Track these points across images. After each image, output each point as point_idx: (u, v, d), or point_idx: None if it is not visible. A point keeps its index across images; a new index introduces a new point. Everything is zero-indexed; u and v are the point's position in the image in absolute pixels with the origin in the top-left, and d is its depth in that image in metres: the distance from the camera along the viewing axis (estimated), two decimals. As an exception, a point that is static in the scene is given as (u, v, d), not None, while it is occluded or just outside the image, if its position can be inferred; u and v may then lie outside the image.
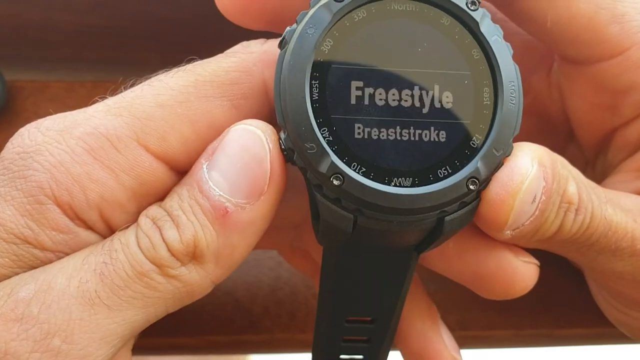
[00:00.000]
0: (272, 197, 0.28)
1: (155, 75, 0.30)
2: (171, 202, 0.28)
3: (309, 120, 0.26)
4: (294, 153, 0.27)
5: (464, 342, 0.45)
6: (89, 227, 0.28)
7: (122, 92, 0.29)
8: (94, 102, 0.29)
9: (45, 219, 0.27)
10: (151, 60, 0.46)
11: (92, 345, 0.26)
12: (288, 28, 0.28)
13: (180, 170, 0.30)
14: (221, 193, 0.27)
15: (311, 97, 0.27)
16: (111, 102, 0.29)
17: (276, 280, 0.45)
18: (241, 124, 0.28)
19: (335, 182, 0.26)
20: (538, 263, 0.33)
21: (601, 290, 0.38)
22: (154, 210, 0.28)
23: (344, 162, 0.27)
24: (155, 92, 0.29)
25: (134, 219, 0.29)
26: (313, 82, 0.27)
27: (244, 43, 0.30)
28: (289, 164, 0.28)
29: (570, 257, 0.34)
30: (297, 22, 0.28)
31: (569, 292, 0.43)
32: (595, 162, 0.38)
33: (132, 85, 0.30)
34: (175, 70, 0.29)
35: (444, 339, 0.36)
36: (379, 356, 0.36)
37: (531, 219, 0.29)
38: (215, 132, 0.29)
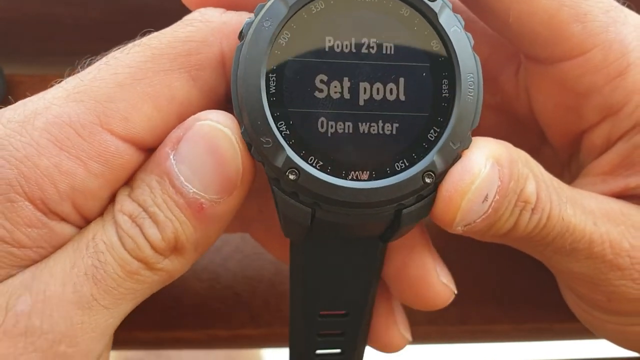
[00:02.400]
0: (245, 189, 0.28)
1: (112, 53, 0.29)
2: (143, 195, 0.28)
3: (264, 114, 0.26)
4: (251, 147, 0.27)
5: (464, 336, 0.45)
6: (63, 219, 0.28)
7: (79, 72, 0.29)
8: (51, 86, 0.29)
9: (19, 217, 0.27)
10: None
11: (93, 342, 0.28)
12: (246, 20, 0.28)
13: (148, 148, 0.29)
14: (195, 190, 0.27)
15: (268, 90, 0.27)
16: (70, 86, 0.28)
17: (276, 274, 0.45)
18: (207, 119, 0.27)
19: (291, 177, 0.27)
20: (455, 291, 0.34)
21: (565, 288, 0.38)
22: (127, 204, 0.28)
23: (300, 157, 0.27)
24: (113, 72, 0.28)
25: (105, 204, 0.29)
26: (270, 75, 0.27)
27: (202, 10, 0.30)
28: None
29: (529, 253, 0.34)
30: (254, 15, 0.27)
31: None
32: (570, 165, 0.38)
33: (89, 64, 0.29)
34: (130, 45, 0.29)
35: (396, 315, 0.37)
36: (355, 349, 0.36)
37: (483, 216, 0.29)
38: (177, 106, 0.29)
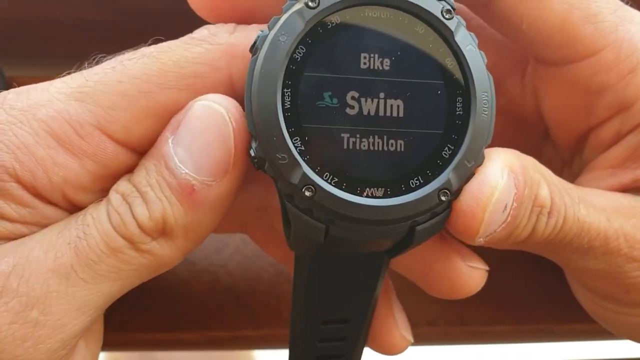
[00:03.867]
0: (237, 174, 0.28)
1: (119, 56, 0.29)
2: (139, 177, 0.28)
3: (280, 129, 0.26)
4: (265, 162, 0.27)
5: (465, 337, 0.45)
6: (53, 204, 0.29)
7: (86, 69, 0.29)
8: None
9: (9, 194, 0.27)
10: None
11: (68, 315, 0.27)
12: (260, 33, 0.27)
13: (142, 153, 0.30)
14: (187, 171, 0.27)
15: (283, 106, 0.26)
16: (75, 83, 0.28)
17: (276, 276, 0.45)
18: (203, 99, 0.28)
19: (307, 194, 0.26)
20: (487, 268, 0.34)
21: (577, 285, 0.38)
22: (123, 185, 0.28)
23: (315, 173, 0.26)
24: (118, 79, 0.28)
25: (98, 197, 0.29)
26: (285, 90, 0.26)
27: (211, 28, 0.29)
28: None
29: (546, 256, 0.35)
30: (269, 28, 0.27)
31: (569, 287, 0.43)
32: (572, 162, 0.38)
33: (96, 63, 0.29)
34: (139, 54, 0.29)
35: (396, 317, 0.37)
36: (354, 354, 0.36)
37: (503, 225, 0.29)
38: None
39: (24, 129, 0.28)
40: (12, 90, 0.29)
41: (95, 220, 0.27)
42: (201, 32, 0.29)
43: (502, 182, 0.28)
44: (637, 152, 0.34)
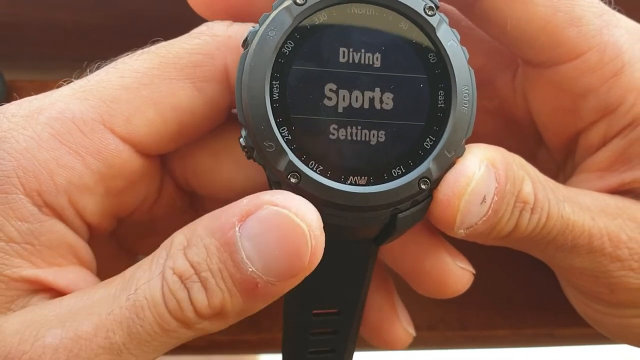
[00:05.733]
0: (304, 276, 0.27)
1: (120, 58, 0.30)
2: (198, 256, 0.26)
3: (268, 119, 0.27)
4: (254, 151, 0.28)
5: (464, 341, 0.45)
6: (58, 214, 0.29)
7: (88, 75, 0.30)
8: (59, 86, 0.30)
9: (11, 209, 0.27)
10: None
11: None
12: (251, 28, 0.29)
13: (146, 153, 0.30)
14: (254, 269, 0.26)
15: (271, 97, 0.28)
16: (77, 85, 0.29)
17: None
18: (283, 207, 0.26)
19: (293, 180, 0.27)
20: (474, 271, 0.34)
21: (567, 284, 0.38)
22: (180, 264, 0.27)
23: (301, 161, 0.28)
24: (120, 75, 0.29)
25: (101, 201, 0.30)
26: (274, 82, 0.28)
27: (209, 24, 0.31)
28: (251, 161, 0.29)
29: (531, 254, 0.35)
30: (259, 24, 0.28)
31: (569, 291, 0.43)
32: (565, 165, 0.38)
33: (97, 69, 0.30)
34: (139, 52, 0.30)
35: (399, 312, 0.37)
36: (346, 346, 0.36)
37: (484, 218, 0.29)
38: (179, 114, 0.30)
39: (27, 134, 0.28)
40: (13, 102, 0.29)
41: (150, 304, 0.26)
42: (199, 28, 0.30)
43: (478, 174, 0.29)
44: (623, 155, 0.34)
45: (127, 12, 0.46)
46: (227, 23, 0.31)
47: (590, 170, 0.35)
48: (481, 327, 0.45)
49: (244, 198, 0.27)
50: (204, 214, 0.28)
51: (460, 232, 0.30)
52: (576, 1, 0.32)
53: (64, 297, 0.28)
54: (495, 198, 0.29)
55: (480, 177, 0.29)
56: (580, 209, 0.32)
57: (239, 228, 0.26)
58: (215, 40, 0.30)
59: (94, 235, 0.32)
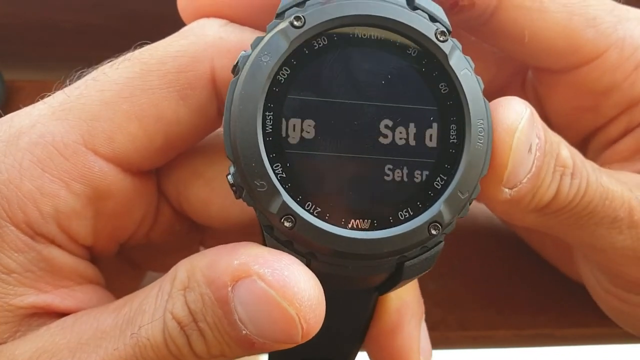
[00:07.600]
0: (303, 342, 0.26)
1: (102, 66, 0.28)
2: (196, 305, 0.25)
3: (259, 155, 0.24)
4: (243, 190, 0.25)
5: (464, 342, 0.45)
6: (51, 241, 0.28)
7: (67, 86, 0.28)
8: (41, 98, 0.28)
9: (4, 242, 0.27)
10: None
11: None
12: (242, 53, 0.26)
13: (132, 171, 0.29)
14: (247, 332, 0.25)
15: (264, 130, 0.25)
16: (56, 102, 0.28)
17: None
18: (267, 283, 0.24)
19: (287, 224, 0.24)
20: None
21: (599, 277, 0.37)
22: (179, 310, 0.26)
23: (296, 202, 0.25)
24: (100, 88, 0.27)
25: (93, 224, 0.28)
26: (267, 113, 0.25)
27: (201, 21, 0.29)
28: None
29: (570, 236, 0.33)
30: (251, 48, 0.25)
31: (570, 291, 0.43)
32: None
33: (78, 78, 0.29)
34: (121, 59, 0.28)
35: (422, 342, 0.34)
36: None
37: (528, 175, 0.27)
38: (164, 126, 0.28)
39: (8, 162, 0.27)
40: None
41: (153, 345, 0.26)
42: (190, 25, 0.29)
43: (525, 114, 0.27)
44: None
45: (127, 13, 0.46)
46: (222, 22, 0.28)
47: (610, 161, 0.35)
48: (481, 327, 0.45)
49: (240, 249, 0.25)
50: (207, 237, 0.27)
51: (506, 192, 0.27)
52: (588, 2, 0.32)
53: (75, 321, 0.27)
54: (538, 153, 0.27)
55: (527, 118, 0.27)
56: (616, 180, 0.31)
57: (232, 289, 0.25)
58: (202, 41, 0.28)
59: (96, 255, 0.31)
